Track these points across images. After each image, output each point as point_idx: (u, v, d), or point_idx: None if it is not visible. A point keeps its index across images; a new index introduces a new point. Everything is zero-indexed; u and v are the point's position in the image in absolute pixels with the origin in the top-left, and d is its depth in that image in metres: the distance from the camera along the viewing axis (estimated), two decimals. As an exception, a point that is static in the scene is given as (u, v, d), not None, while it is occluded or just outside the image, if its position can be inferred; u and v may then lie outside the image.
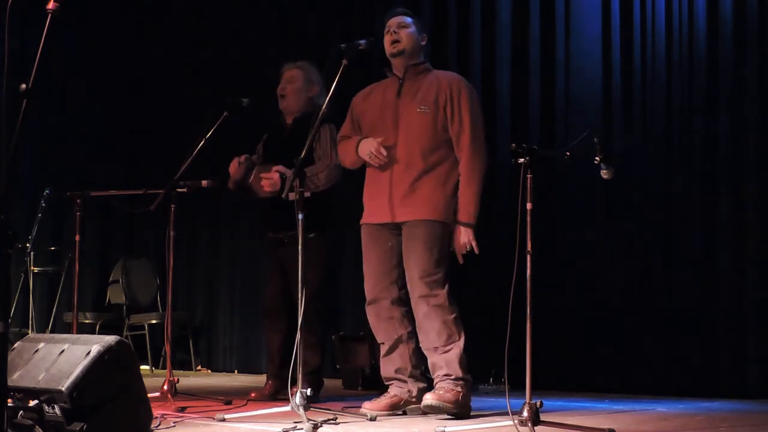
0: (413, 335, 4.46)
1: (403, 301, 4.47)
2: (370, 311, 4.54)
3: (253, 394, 5.18)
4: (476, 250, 4.42)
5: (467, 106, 4.46)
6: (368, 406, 4.37)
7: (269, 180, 5.01)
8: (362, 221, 4.59)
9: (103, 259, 8.48)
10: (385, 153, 4.42)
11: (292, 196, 4.62)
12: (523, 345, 3.70)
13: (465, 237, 4.41)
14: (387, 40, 4.53)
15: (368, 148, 4.45)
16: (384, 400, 4.41)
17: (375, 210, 4.52)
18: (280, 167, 5.02)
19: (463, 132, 4.43)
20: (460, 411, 4.25)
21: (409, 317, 4.47)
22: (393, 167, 4.44)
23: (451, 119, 4.44)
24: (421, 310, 4.37)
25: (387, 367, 4.50)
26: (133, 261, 8.15)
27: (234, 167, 5.25)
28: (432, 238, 4.37)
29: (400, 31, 4.51)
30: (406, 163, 4.42)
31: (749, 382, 5.34)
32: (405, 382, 4.45)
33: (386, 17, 4.61)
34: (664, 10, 5.76)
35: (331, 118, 5.08)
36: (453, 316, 4.35)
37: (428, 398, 4.24)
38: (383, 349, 4.52)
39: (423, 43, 4.58)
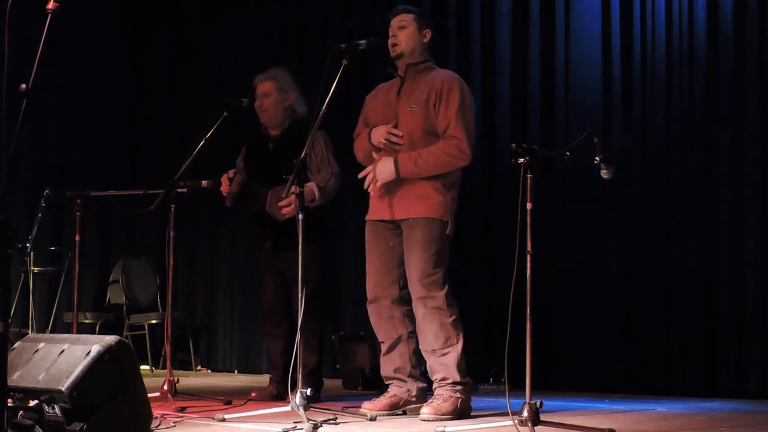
0: (414, 335, 4.45)
1: (405, 300, 4.45)
2: (371, 310, 4.53)
3: (254, 394, 5.18)
4: (371, 191, 4.41)
5: (455, 102, 4.38)
6: (368, 406, 4.36)
7: (289, 205, 4.93)
8: (366, 218, 4.59)
9: (103, 259, 8.48)
10: (401, 133, 4.40)
11: (288, 211, 4.63)
12: (523, 345, 3.70)
13: (381, 168, 4.35)
14: (389, 43, 4.54)
15: (380, 135, 4.43)
16: (384, 400, 4.41)
17: (376, 207, 4.52)
18: (294, 189, 4.85)
19: (448, 125, 4.36)
20: (459, 417, 4.23)
21: (410, 317, 4.45)
22: None
23: (438, 114, 4.40)
24: (419, 312, 4.36)
25: (386, 366, 4.49)
26: (133, 261, 8.15)
27: (225, 185, 5.18)
28: (430, 239, 4.35)
29: (399, 34, 4.51)
30: None
31: (749, 382, 5.34)
32: (404, 381, 4.44)
33: (389, 16, 4.61)
34: (664, 10, 5.76)
35: (323, 124, 5.04)
36: (451, 318, 4.32)
37: (425, 412, 4.20)
38: (383, 348, 4.51)
39: (425, 40, 4.54)
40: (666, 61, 5.75)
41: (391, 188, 4.42)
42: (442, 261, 4.37)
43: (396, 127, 4.44)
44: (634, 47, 5.87)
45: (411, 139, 4.40)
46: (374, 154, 4.50)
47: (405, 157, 4.35)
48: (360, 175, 4.45)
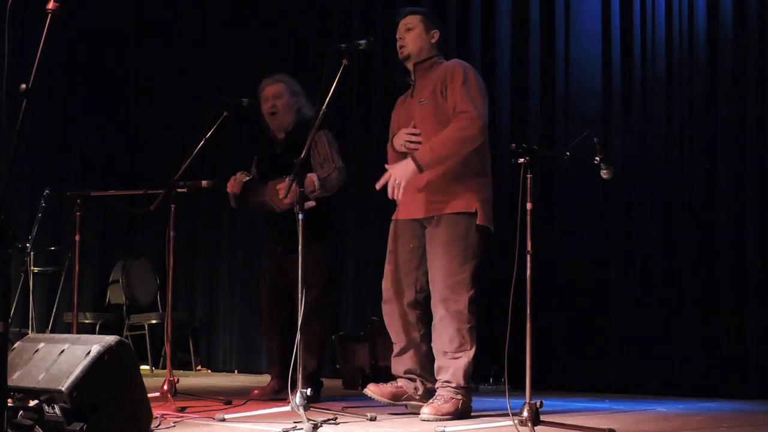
0: (426, 338, 4.41)
1: (420, 303, 4.41)
2: (385, 310, 4.48)
3: (256, 391, 5.19)
4: (397, 197, 4.24)
5: (458, 80, 4.33)
6: (372, 389, 4.39)
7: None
8: (393, 216, 4.55)
9: (103, 259, 8.49)
10: (418, 131, 4.36)
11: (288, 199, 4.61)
12: (523, 345, 3.70)
13: (400, 169, 4.23)
14: (397, 45, 4.53)
15: (401, 138, 4.41)
16: (389, 387, 4.40)
17: (402, 206, 4.47)
18: (295, 188, 4.83)
19: (455, 104, 4.30)
20: (460, 418, 4.23)
21: (424, 320, 4.41)
22: None
23: (447, 100, 4.35)
24: (438, 313, 4.30)
25: (397, 366, 4.47)
26: (133, 261, 8.16)
27: (231, 186, 5.20)
28: (454, 237, 4.28)
29: (406, 36, 4.50)
30: None
31: (749, 382, 5.34)
32: (414, 380, 4.44)
33: (396, 18, 4.59)
34: (664, 10, 5.76)
35: (326, 123, 5.04)
36: (468, 325, 4.28)
37: (425, 412, 4.19)
38: (395, 349, 4.48)
39: (433, 41, 4.51)
40: (666, 61, 5.75)
41: (414, 185, 4.35)
42: (469, 258, 4.29)
43: (415, 127, 4.43)
44: (634, 47, 5.88)
45: (426, 133, 4.35)
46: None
47: (420, 151, 4.27)
48: (378, 186, 4.31)
